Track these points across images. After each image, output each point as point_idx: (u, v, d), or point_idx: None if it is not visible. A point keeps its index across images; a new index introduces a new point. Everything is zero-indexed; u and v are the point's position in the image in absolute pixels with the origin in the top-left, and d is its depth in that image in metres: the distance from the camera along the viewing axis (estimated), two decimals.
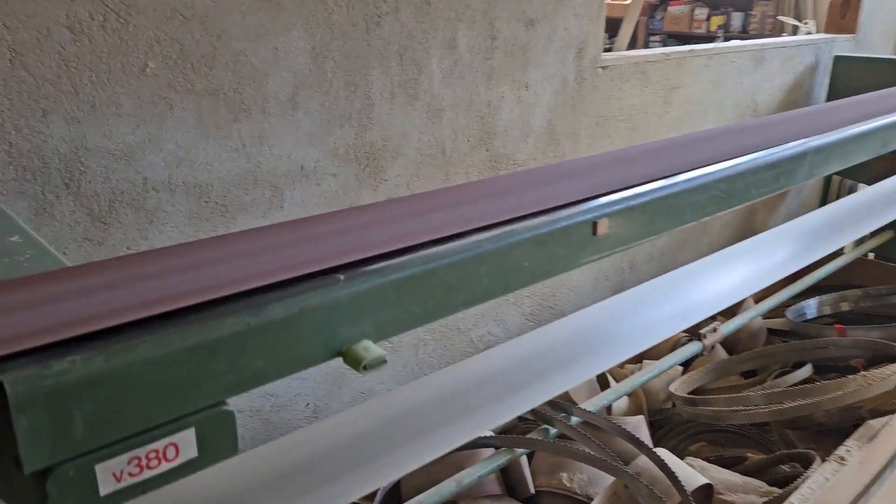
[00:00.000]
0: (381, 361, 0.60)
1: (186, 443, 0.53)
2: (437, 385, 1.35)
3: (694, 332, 2.16)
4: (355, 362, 0.60)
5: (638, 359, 2.37)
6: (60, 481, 0.48)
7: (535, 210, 0.76)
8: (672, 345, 2.32)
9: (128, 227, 1.43)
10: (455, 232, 0.68)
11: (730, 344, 2.52)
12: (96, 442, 0.48)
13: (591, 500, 1.75)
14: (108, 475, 0.50)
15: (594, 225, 0.79)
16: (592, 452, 1.68)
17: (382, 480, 1.10)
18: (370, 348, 0.61)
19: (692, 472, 1.72)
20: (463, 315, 2.08)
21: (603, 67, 2.22)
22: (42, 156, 1.30)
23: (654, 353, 2.27)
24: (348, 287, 0.60)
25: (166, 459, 0.52)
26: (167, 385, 0.51)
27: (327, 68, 1.62)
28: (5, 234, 0.86)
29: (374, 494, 1.67)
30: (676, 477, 1.61)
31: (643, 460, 1.71)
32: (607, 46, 2.23)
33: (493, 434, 1.78)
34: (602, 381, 2.23)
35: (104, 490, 0.50)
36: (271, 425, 1.75)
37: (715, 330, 2.11)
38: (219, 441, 0.55)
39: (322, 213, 0.71)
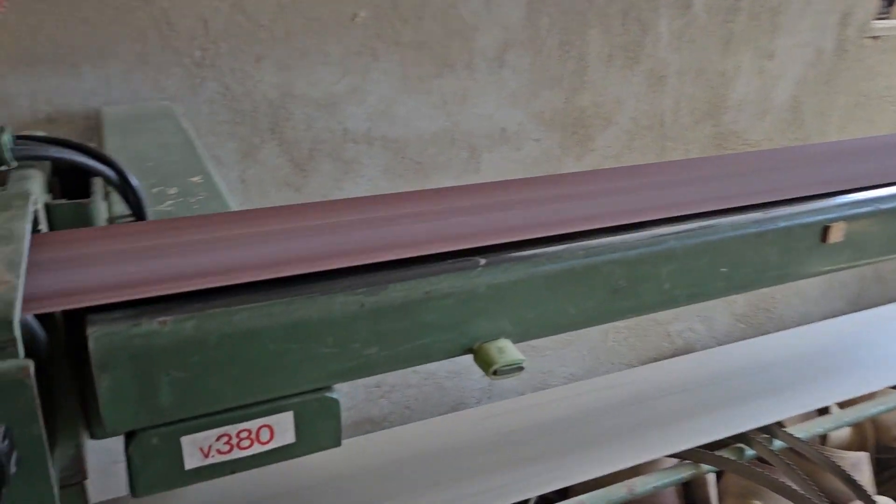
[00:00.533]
0: (516, 368, 0.50)
1: (283, 427, 0.48)
2: (620, 384, 1.21)
3: None
4: (485, 364, 0.50)
5: None
6: (143, 448, 0.44)
7: (746, 203, 0.60)
8: None
9: (325, 176, 1.44)
10: (633, 221, 0.56)
11: None
12: (183, 412, 0.44)
13: None
14: (195, 449, 0.46)
15: (825, 230, 0.62)
16: (794, 486, 1.45)
17: (544, 486, 1.00)
18: (507, 350, 0.51)
19: None
20: None
21: (873, 38, 1.87)
22: (253, 100, 1.33)
23: None
24: (489, 274, 0.50)
25: (259, 441, 0.47)
26: (265, 362, 0.45)
27: (542, 25, 1.50)
28: (190, 174, 0.87)
29: None
30: None
31: None
32: (882, 14, 1.88)
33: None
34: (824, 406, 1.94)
35: (190, 464, 0.46)
36: (444, 391, 1.72)
37: None
38: (320, 429, 0.49)
39: (476, 184, 0.61)
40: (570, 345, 1.84)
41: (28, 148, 0.62)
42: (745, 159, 0.76)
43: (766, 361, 1.25)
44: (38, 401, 0.35)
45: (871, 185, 0.65)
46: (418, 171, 1.51)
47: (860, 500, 1.45)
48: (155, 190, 0.81)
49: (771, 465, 1.50)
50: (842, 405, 1.98)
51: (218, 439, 0.46)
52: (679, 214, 0.57)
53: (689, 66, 1.68)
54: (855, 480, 1.46)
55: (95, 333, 0.41)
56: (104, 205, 0.76)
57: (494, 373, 0.50)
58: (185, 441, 0.45)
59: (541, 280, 0.52)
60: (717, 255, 0.59)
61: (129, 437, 0.44)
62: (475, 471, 0.93)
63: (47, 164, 0.70)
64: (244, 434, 0.47)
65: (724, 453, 1.62)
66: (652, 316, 1.91)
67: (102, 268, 0.46)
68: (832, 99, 1.87)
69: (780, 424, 1.69)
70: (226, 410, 0.46)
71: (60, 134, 1.14)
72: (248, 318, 0.44)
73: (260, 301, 0.45)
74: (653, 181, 0.64)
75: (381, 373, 0.49)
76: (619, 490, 1.51)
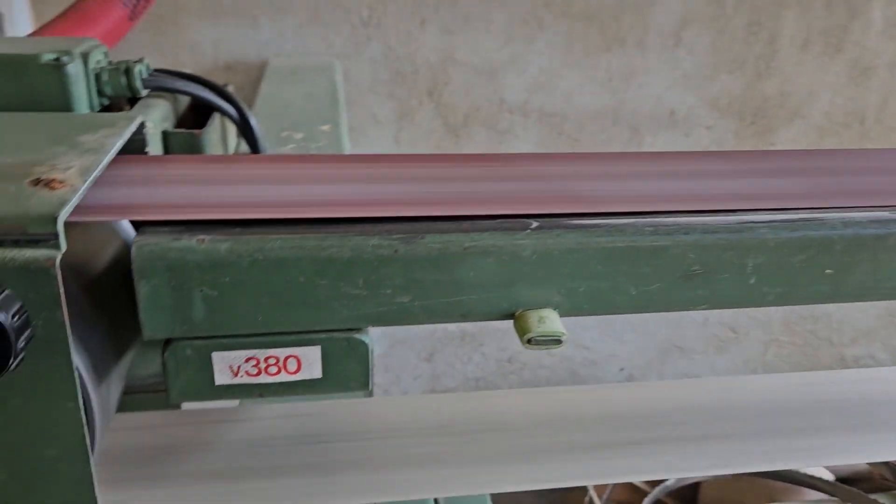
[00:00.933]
0: (553, 341, 0.47)
1: (310, 360, 0.49)
2: (772, 387, 1.10)
3: None
4: (521, 331, 0.48)
5: None
6: (177, 356, 0.47)
7: (870, 203, 0.52)
8: None
9: (477, 144, 1.44)
10: (715, 208, 0.50)
11: None
12: (214, 329, 0.47)
13: None
14: (225, 366, 0.48)
15: None
16: None
17: (675, 471, 0.95)
18: (548, 320, 0.48)
19: None
20: (839, 324, 1.71)
21: None
22: (414, 62, 1.36)
23: None
24: (538, 238, 0.47)
25: (287, 371, 0.49)
26: (294, 293, 0.46)
27: (728, 2, 1.39)
28: (321, 122, 0.91)
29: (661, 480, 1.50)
30: None
31: None
32: None
33: (827, 477, 1.45)
34: None
35: (220, 380, 0.48)
36: (579, 378, 1.68)
37: None
38: (347, 369, 0.49)
39: (556, 153, 0.58)
40: (723, 352, 1.71)
41: (158, 80, 0.68)
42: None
43: None
44: (61, 290, 0.38)
45: None
46: (574, 148, 1.47)
47: None
48: (284, 133, 0.86)
49: None
50: None
51: (246, 361, 0.48)
52: (774, 207, 0.50)
53: None
54: None
55: (139, 243, 0.44)
56: (234, 142, 0.82)
57: (528, 341, 0.47)
58: (216, 357, 0.47)
59: (597, 252, 0.48)
60: (820, 254, 0.51)
61: (166, 345, 0.47)
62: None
63: (184, 99, 0.76)
64: (272, 360, 0.48)
65: (884, 499, 1.45)
66: (824, 334, 1.72)
67: (167, 189, 0.49)
68: None
69: None
70: (255, 335, 0.47)
71: (236, 81, 1.24)
72: (279, 247, 0.45)
73: (293, 233, 0.46)
74: (759, 168, 0.57)
75: (413, 323, 0.49)
76: None
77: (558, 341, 0.47)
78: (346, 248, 0.46)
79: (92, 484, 0.44)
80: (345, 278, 0.46)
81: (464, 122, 1.42)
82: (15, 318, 0.36)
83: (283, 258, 0.45)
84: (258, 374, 0.48)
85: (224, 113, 0.72)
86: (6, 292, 0.36)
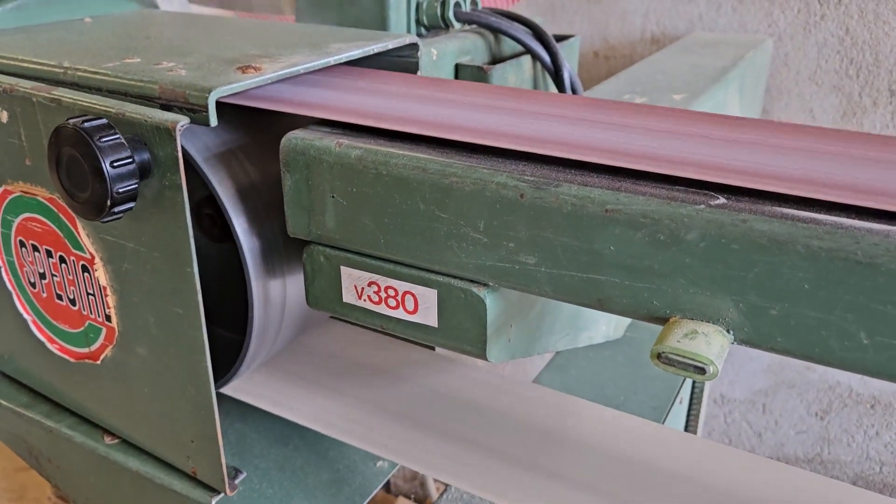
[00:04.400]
0: (693, 367, 0.32)
1: (427, 304, 0.42)
2: None
3: None
4: (659, 340, 0.33)
5: None
6: (313, 261, 0.46)
7: None
8: None
9: None
10: None
11: None
12: (343, 241, 0.44)
13: None
14: (351, 284, 0.45)
15: None
16: None
17: None
18: (701, 338, 0.33)
19: None
20: None
21: None
22: (876, 52, 1.09)
23: None
24: (718, 219, 0.32)
25: (405, 308, 0.43)
26: (414, 222, 0.40)
27: None
28: (681, 92, 0.79)
29: None
30: None
31: None
32: None
33: None
34: None
35: (346, 298, 0.45)
36: None
37: None
38: (462, 325, 0.41)
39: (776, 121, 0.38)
40: None
41: (472, 14, 0.67)
42: None
43: None
44: (179, 153, 0.40)
45: None
46: None
47: None
48: (625, 96, 0.77)
49: None
50: None
51: (369, 285, 0.44)
52: None
53: None
54: None
55: (288, 137, 0.44)
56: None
57: (658, 356, 0.33)
58: (344, 272, 0.45)
59: (809, 261, 0.31)
60: None
61: (305, 246, 0.46)
62: None
63: (501, 38, 0.73)
64: (391, 292, 0.43)
65: None
66: None
67: (343, 94, 0.48)
68: None
69: None
70: (379, 258, 0.43)
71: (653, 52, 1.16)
72: (403, 164, 0.40)
73: (421, 153, 0.40)
74: None
75: (539, 293, 0.39)
76: None
77: (701, 370, 0.32)
78: (469, 180, 0.38)
79: (204, 353, 0.47)
80: (465, 216, 0.39)
81: None
82: (117, 165, 0.39)
83: (406, 178, 0.40)
84: (379, 302, 0.44)
85: (534, 55, 0.67)
86: (116, 138, 0.39)
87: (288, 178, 0.44)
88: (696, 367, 0.32)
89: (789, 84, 1.15)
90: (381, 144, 0.41)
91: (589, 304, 0.37)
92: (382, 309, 0.45)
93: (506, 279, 0.39)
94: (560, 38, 0.77)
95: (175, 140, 0.40)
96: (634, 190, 0.34)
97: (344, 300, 0.46)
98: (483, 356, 0.42)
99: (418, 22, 0.67)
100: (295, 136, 0.44)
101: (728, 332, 0.34)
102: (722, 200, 0.33)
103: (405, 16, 0.67)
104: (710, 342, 0.33)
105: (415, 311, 0.43)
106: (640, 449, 0.53)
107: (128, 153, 0.39)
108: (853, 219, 0.30)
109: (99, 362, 0.55)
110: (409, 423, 0.56)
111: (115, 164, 0.39)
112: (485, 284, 0.41)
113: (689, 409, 0.94)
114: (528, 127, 0.41)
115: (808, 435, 1.36)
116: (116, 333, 0.52)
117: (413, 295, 0.43)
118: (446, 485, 0.61)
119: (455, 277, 0.41)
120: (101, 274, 0.50)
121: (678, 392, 0.80)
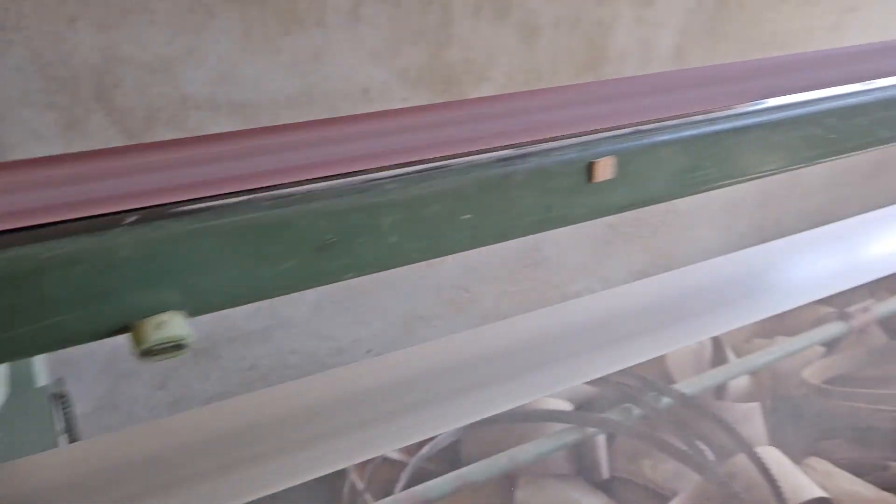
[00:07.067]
0: (174, 347, 0.42)
1: None
2: (501, 333, 1.14)
3: (840, 310, 1.80)
4: (137, 344, 0.42)
5: (769, 335, 2.02)
6: None
7: (491, 145, 0.53)
8: (813, 322, 1.95)
9: None
10: (342, 171, 0.48)
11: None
12: None
13: (676, 495, 1.49)
14: None
15: (590, 167, 0.55)
16: (677, 443, 1.42)
17: (424, 432, 0.95)
18: (167, 325, 0.42)
19: (804, 482, 1.41)
20: (557, 267, 1.85)
21: None
22: (70, 66, 1.21)
23: (789, 330, 1.92)
24: (138, 234, 0.41)
25: None
26: None
27: None
28: None
29: (419, 448, 1.52)
30: (777, 484, 1.32)
31: (742, 459, 1.43)
32: None
33: (565, 409, 1.56)
34: (720, 357, 1.92)
35: None
36: (328, 369, 1.64)
37: (867, 310, 1.73)
38: None
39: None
40: (461, 312, 1.77)
41: None
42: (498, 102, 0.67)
43: (651, 301, 1.20)
44: None
45: (647, 120, 0.58)
46: None
47: (742, 450, 1.43)
48: None
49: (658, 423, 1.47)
50: (738, 354, 1.97)
51: None
52: (400, 162, 0.49)
53: (564, 16, 1.61)
54: (736, 433, 1.43)
55: None
56: None
57: (144, 354, 0.41)
58: None
59: (212, 238, 0.43)
60: (454, 202, 0.51)
61: None
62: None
63: None
64: None
65: (612, 415, 1.59)
66: (545, 278, 1.85)
67: None
68: (716, 48, 1.83)
69: (668, 381, 1.66)
70: None
71: None
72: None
73: None
74: (383, 128, 0.56)
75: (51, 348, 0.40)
76: (500, 460, 1.46)
77: (179, 346, 0.42)
78: None
79: None
80: None
81: (145, 125, 1.30)
82: None
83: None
84: None
85: None
86: None
87: None
88: (176, 346, 0.42)
89: (3, 111, 1.18)
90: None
91: (49, 350, 0.42)
92: None
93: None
94: None
95: None
96: (68, 230, 0.40)
97: None
98: None
99: None
100: None
101: (181, 311, 0.44)
102: (134, 217, 0.42)
103: None
104: (174, 324, 0.43)
105: None
106: None
107: None
108: (233, 197, 0.44)
109: None
110: None
111: None
112: None
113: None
114: None
115: (158, 409, 1.51)
116: None
117: None
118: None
119: None
120: None
121: None
